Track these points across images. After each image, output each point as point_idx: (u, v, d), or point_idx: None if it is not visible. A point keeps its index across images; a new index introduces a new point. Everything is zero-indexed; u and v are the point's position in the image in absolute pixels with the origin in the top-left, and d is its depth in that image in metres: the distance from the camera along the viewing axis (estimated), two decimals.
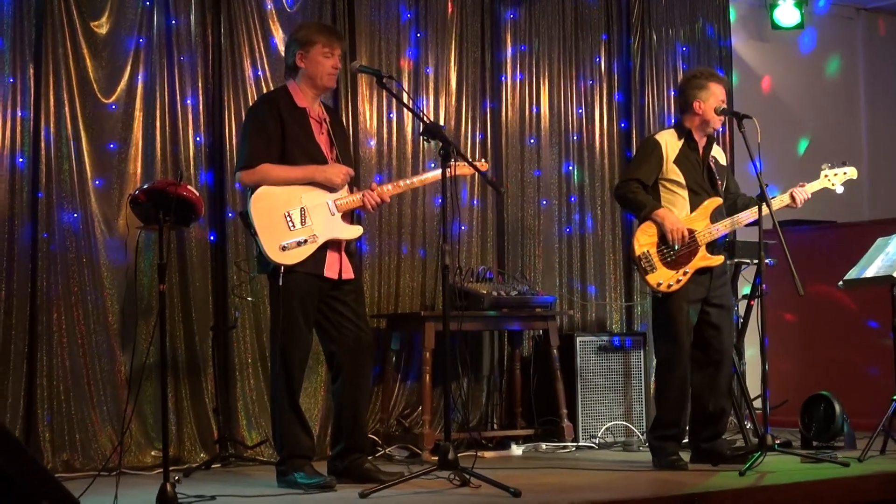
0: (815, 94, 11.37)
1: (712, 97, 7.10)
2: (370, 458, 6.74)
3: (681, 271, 6.97)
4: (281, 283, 6.18)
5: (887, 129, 11.67)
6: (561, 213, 9.29)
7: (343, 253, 6.44)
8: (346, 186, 6.46)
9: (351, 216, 6.53)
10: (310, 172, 6.31)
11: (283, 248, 6.18)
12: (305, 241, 6.23)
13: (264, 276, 6.48)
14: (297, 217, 6.24)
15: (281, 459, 6.34)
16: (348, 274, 6.43)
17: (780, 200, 7.15)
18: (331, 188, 6.36)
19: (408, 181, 6.84)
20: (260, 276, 7.09)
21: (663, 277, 6.98)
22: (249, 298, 7.71)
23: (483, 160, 7.03)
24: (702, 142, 7.18)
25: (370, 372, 6.72)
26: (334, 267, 6.37)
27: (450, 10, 8.87)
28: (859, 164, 7.40)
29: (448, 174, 6.16)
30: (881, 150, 11.56)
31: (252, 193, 6.26)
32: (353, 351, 6.41)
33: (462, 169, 6.61)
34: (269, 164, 6.26)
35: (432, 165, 8.24)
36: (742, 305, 8.30)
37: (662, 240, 6.99)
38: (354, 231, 6.53)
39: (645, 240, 7.02)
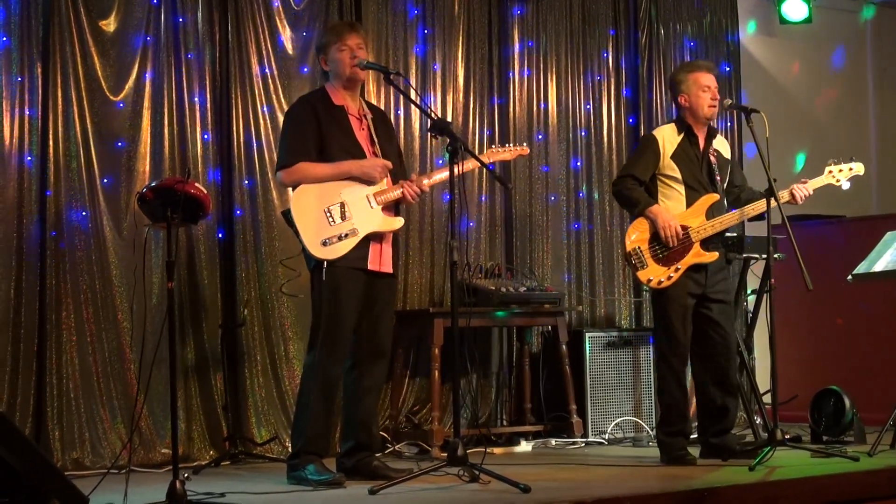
0: (822, 86, 11.35)
1: (693, 86, 7.09)
2: (379, 455, 6.73)
3: (672, 268, 6.96)
4: (325, 278, 6.22)
5: (895, 123, 11.64)
6: (569, 208, 9.29)
7: (385, 245, 6.49)
8: (388, 179, 6.49)
9: (395, 208, 6.57)
10: (346, 167, 6.37)
11: (325, 244, 6.24)
12: (346, 235, 6.29)
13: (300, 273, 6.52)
14: (337, 212, 6.30)
15: (295, 452, 6.35)
16: (387, 268, 6.48)
17: (780, 197, 7.07)
18: (369, 181, 6.39)
19: (444, 173, 6.83)
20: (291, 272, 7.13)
21: (654, 274, 6.98)
22: (301, 295, 7.71)
23: (524, 144, 7.10)
24: (701, 135, 7.16)
25: (384, 371, 6.74)
26: (376, 259, 6.43)
27: (457, 6, 8.87)
28: (867, 158, 7.40)
29: (456, 171, 6.19)
30: (890, 143, 11.54)
31: (293, 192, 6.32)
32: (370, 349, 6.46)
33: (474, 163, 6.69)
34: (307, 163, 6.33)
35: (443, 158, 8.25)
36: (751, 301, 8.29)
37: (654, 236, 6.98)
38: (396, 222, 6.55)
39: (636, 236, 7.02)
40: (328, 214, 6.28)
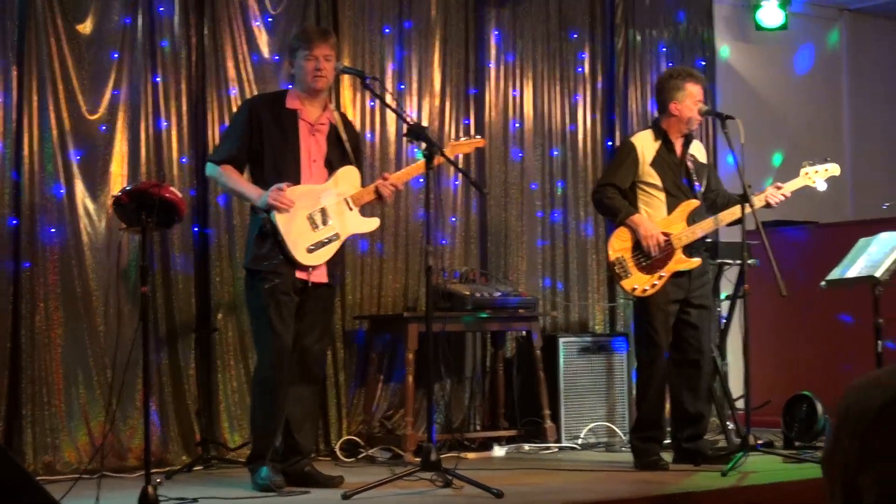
0: (797, 93, 11.39)
1: (688, 98, 7.08)
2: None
3: (656, 275, 6.96)
4: (266, 286, 6.25)
5: (870, 130, 11.70)
6: (544, 213, 9.30)
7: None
8: (359, 180, 6.56)
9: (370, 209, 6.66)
10: (249, 193, 6.40)
11: (310, 251, 6.29)
12: (329, 240, 6.35)
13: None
14: (319, 218, 6.35)
15: (249, 457, 6.43)
16: (321, 278, 6.46)
17: (755, 202, 7.04)
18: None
19: (413, 167, 6.85)
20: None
21: (638, 282, 6.98)
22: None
23: (479, 136, 7.12)
24: (679, 142, 7.16)
25: (317, 377, 6.78)
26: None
27: (433, 11, 8.88)
28: (842, 165, 7.40)
29: (433, 165, 6.26)
30: (863, 151, 11.59)
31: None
32: (300, 356, 6.44)
33: (462, 148, 6.87)
34: (231, 169, 6.41)
35: (415, 150, 8.25)
36: (725, 306, 8.31)
37: (637, 245, 6.98)
38: (372, 223, 6.67)
39: (619, 245, 7.01)
40: (311, 221, 6.31)
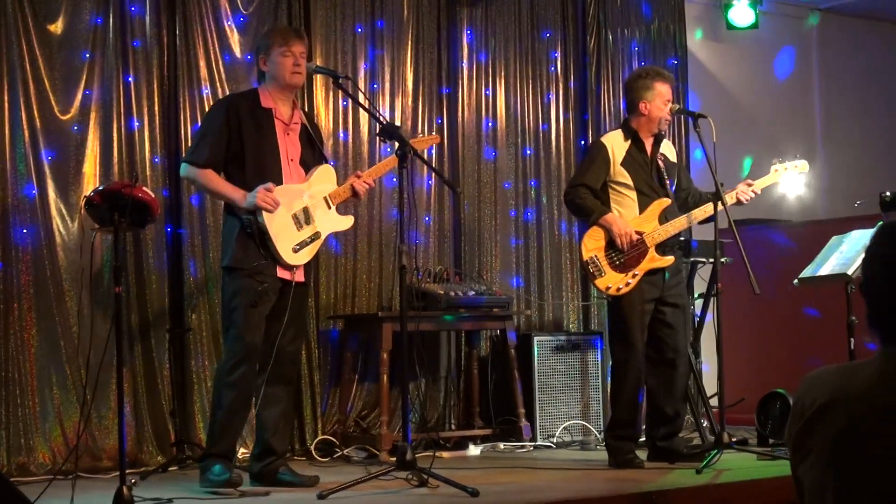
0: (769, 92, 11.43)
1: (658, 97, 7.09)
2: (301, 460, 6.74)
3: (630, 274, 6.98)
4: (243, 284, 6.26)
5: (842, 128, 11.74)
6: (518, 212, 9.31)
7: None
8: (335, 178, 6.62)
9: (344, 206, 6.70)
10: (233, 196, 6.33)
11: (296, 251, 6.32)
12: (311, 239, 6.39)
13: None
14: (303, 217, 6.38)
15: (203, 454, 6.44)
16: (299, 276, 6.46)
17: (727, 199, 7.05)
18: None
19: (385, 164, 6.88)
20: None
21: (612, 281, 6.99)
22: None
23: (434, 133, 7.19)
24: (649, 141, 7.17)
25: (292, 377, 6.80)
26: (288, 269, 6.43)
27: (405, 10, 8.87)
28: (814, 164, 7.44)
29: (406, 165, 6.27)
30: (836, 149, 11.64)
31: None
32: (277, 356, 6.42)
33: (420, 144, 6.84)
34: (211, 172, 6.34)
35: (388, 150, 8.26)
36: (698, 304, 8.33)
37: (610, 244, 6.99)
38: (348, 221, 6.76)
39: (592, 244, 7.02)
40: (295, 220, 6.33)
